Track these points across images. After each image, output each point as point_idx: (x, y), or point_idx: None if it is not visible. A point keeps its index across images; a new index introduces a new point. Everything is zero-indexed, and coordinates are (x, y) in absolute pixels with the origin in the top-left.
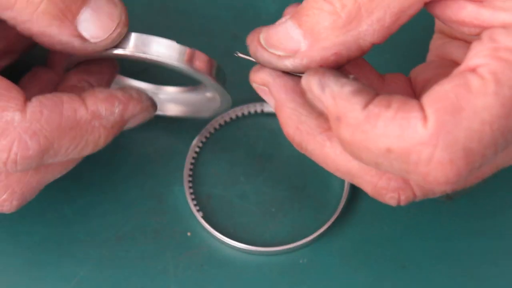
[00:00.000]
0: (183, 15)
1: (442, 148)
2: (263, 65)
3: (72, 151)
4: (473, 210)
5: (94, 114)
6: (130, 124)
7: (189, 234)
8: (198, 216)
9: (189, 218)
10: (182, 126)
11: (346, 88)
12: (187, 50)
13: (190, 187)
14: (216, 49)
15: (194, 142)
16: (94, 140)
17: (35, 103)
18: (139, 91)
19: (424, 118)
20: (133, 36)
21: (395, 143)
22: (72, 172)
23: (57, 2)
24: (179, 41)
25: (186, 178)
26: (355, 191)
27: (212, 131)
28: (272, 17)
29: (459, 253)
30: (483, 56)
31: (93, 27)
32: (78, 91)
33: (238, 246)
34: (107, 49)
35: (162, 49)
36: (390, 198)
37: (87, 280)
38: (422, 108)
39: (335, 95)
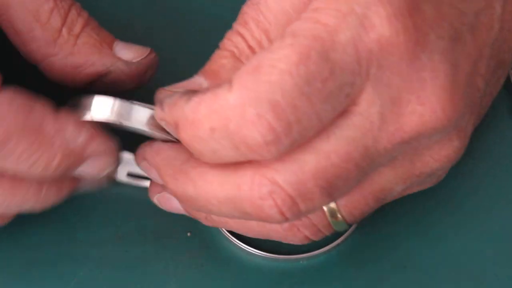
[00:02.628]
0: (183, 15)
1: (248, 105)
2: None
3: (24, 160)
4: (473, 210)
5: (59, 131)
6: (87, 185)
7: (189, 234)
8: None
9: (189, 218)
10: None
11: (175, 96)
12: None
13: None
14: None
15: None
16: (48, 159)
17: (10, 92)
18: (110, 138)
19: (230, 86)
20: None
21: (214, 120)
22: None
23: (92, 35)
24: (180, 40)
25: None
26: None
27: None
28: None
29: (459, 253)
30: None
31: (130, 52)
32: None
33: (253, 251)
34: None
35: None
36: (269, 208)
37: (87, 280)
38: (230, 81)
39: (170, 107)
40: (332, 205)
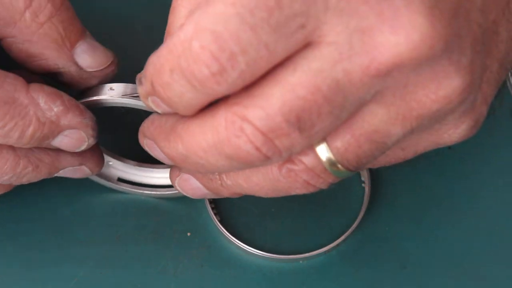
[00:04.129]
0: None
1: (193, 38)
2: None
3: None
4: (473, 210)
5: (32, 101)
6: (65, 172)
7: (189, 234)
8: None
9: (189, 218)
10: None
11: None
12: None
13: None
14: None
15: None
16: (23, 126)
17: None
18: (87, 112)
19: (182, 24)
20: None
21: (170, 60)
22: None
23: (58, 28)
24: None
25: None
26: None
27: None
28: None
29: (459, 253)
30: None
31: (89, 58)
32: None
33: (253, 251)
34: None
35: None
36: (244, 144)
37: (87, 280)
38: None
39: (143, 72)
40: (325, 147)
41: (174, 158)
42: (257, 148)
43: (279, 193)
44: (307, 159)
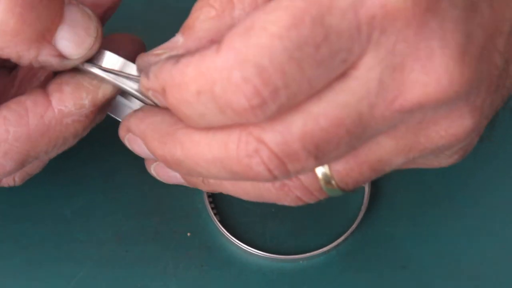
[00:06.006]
0: (183, 15)
1: (234, 68)
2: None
3: (53, 150)
4: (473, 210)
5: (63, 113)
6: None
7: (189, 234)
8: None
9: (189, 218)
10: None
11: (160, 61)
12: None
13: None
14: None
15: None
16: (72, 134)
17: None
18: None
19: (218, 48)
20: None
21: (200, 83)
22: (71, 172)
23: (34, 24)
24: None
25: None
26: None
27: None
28: None
29: (459, 253)
30: None
31: (72, 44)
32: (41, 80)
33: (251, 250)
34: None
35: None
36: (256, 165)
37: (87, 280)
38: (219, 41)
39: (156, 72)
40: (326, 170)
41: (167, 161)
42: (269, 170)
43: (264, 201)
44: (305, 178)
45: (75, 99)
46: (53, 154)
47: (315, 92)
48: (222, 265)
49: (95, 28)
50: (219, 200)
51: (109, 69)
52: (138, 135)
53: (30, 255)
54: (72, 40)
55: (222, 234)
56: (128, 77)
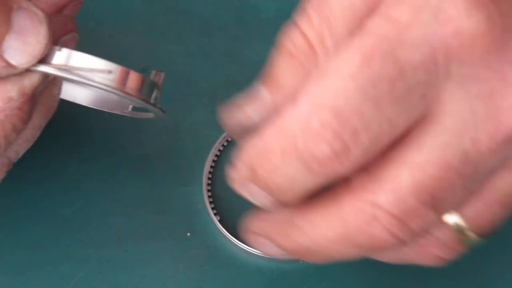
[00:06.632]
0: (183, 15)
1: (312, 115)
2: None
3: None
4: None
5: None
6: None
7: (189, 234)
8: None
9: (189, 218)
10: (181, 126)
11: (242, 148)
12: (119, 69)
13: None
14: (216, 49)
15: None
16: (11, 129)
17: None
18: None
19: (294, 99)
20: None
21: (282, 141)
22: (71, 172)
23: None
24: (180, 40)
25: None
26: None
27: None
28: (272, 17)
29: None
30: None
31: (20, 53)
32: None
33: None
34: None
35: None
36: (379, 232)
37: (87, 280)
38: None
39: (242, 158)
40: (456, 219)
41: (296, 252)
42: (393, 234)
43: (405, 262)
44: (439, 233)
45: (1, 94)
46: (11, 154)
47: (401, 133)
48: (222, 265)
49: (45, 34)
50: (219, 200)
51: (59, 65)
52: (265, 236)
53: (30, 255)
54: (20, 49)
55: (222, 234)
56: (77, 68)
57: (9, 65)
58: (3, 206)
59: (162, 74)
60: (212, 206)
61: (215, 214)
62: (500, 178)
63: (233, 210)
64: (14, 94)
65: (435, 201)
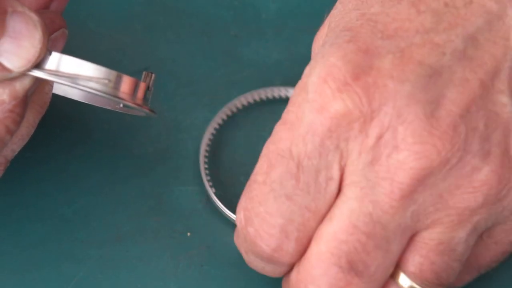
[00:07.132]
0: (183, 15)
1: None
2: None
3: None
4: None
5: None
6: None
7: (189, 234)
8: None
9: (189, 218)
10: (181, 126)
11: None
12: (112, 74)
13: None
14: (216, 49)
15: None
16: (4, 131)
17: None
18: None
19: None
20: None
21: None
22: (71, 172)
23: None
24: (180, 40)
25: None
26: None
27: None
28: (272, 17)
29: None
30: None
31: (15, 58)
32: None
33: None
34: None
35: (86, 73)
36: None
37: (87, 280)
38: None
39: None
40: (405, 279)
41: None
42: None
43: None
44: None
45: None
46: (7, 153)
47: (321, 217)
48: (222, 265)
49: (40, 38)
50: (218, 199)
51: (50, 70)
52: None
53: (30, 255)
54: (15, 53)
55: (222, 234)
56: (74, 75)
57: (4, 68)
58: (3, 206)
59: (153, 75)
60: (210, 183)
61: (214, 193)
62: (427, 229)
63: (233, 210)
64: (6, 97)
65: (353, 265)
